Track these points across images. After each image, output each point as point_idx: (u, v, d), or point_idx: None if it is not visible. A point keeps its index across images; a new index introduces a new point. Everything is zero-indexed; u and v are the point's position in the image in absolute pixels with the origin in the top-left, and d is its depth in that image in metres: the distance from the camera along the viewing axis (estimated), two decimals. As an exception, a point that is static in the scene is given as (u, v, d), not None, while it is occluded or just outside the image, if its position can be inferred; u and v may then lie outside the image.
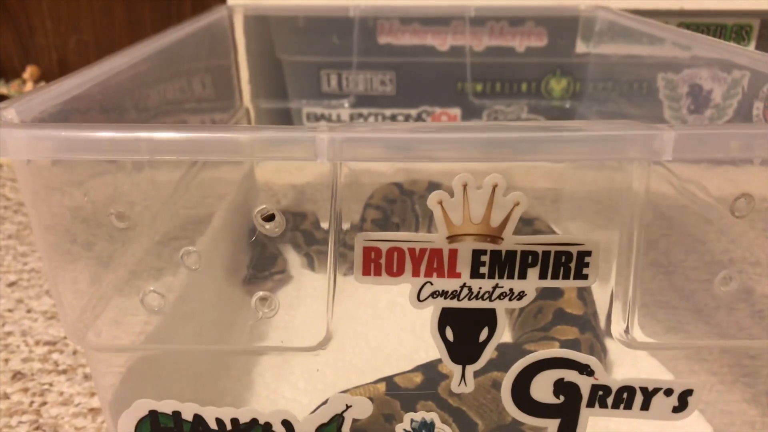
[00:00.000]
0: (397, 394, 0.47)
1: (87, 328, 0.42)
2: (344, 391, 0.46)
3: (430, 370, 0.49)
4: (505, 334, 0.40)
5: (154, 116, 0.56)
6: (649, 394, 0.42)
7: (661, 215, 0.50)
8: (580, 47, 0.88)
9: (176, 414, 0.42)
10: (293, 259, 0.71)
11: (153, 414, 0.42)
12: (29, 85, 1.28)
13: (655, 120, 0.36)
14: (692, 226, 0.53)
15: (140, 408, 0.42)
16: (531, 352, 0.41)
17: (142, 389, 0.43)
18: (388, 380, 0.49)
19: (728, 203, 0.39)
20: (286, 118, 0.93)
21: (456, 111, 0.92)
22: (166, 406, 0.42)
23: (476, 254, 0.37)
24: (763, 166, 0.42)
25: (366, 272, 0.38)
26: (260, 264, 0.63)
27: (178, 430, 0.42)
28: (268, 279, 0.63)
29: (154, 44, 0.57)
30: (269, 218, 0.38)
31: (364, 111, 0.92)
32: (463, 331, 0.40)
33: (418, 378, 0.48)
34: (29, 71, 1.29)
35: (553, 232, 0.67)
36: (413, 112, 0.92)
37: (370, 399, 0.42)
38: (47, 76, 1.30)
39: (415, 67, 0.91)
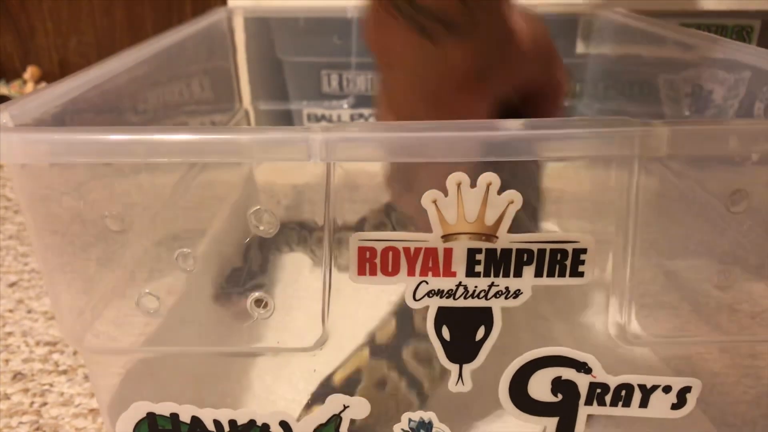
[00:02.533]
0: (381, 355, 0.47)
1: (85, 331, 0.42)
2: (332, 374, 0.46)
3: (401, 315, 0.48)
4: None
5: (153, 119, 0.56)
6: (647, 392, 0.42)
7: (658, 213, 0.49)
8: (580, 47, 0.88)
9: (174, 416, 0.42)
10: (300, 259, 0.71)
11: (151, 416, 0.42)
12: (30, 86, 1.28)
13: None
14: (690, 224, 0.53)
15: (138, 410, 0.42)
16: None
17: (140, 391, 0.43)
18: (369, 343, 0.48)
19: (723, 200, 0.39)
20: (286, 119, 0.93)
21: (456, 111, 0.92)
22: (164, 408, 0.42)
23: (471, 253, 0.37)
24: (761, 163, 0.42)
25: (361, 272, 0.38)
26: (234, 278, 0.61)
27: (176, 432, 0.43)
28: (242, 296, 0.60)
29: (153, 46, 0.57)
30: (264, 220, 0.38)
31: (365, 111, 0.91)
32: (460, 330, 0.40)
33: (391, 326, 0.48)
34: (30, 72, 1.29)
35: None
36: (414, 112, 0.92)
37: (359, 370, 0.42)
38: (48, 76, 1.30)
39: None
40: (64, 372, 0.62)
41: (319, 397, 0.44)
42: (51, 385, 0.60)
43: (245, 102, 0.87)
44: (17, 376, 0.61)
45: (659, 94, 0.71)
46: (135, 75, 0.52)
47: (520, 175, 0.38)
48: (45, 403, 0.58)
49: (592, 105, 0.88)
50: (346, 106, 0.91)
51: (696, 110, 0.65)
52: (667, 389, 0.42)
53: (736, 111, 0.58)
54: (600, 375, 0.41)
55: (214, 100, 0.75)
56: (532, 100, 0.50)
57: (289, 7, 0.87)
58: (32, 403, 0.58)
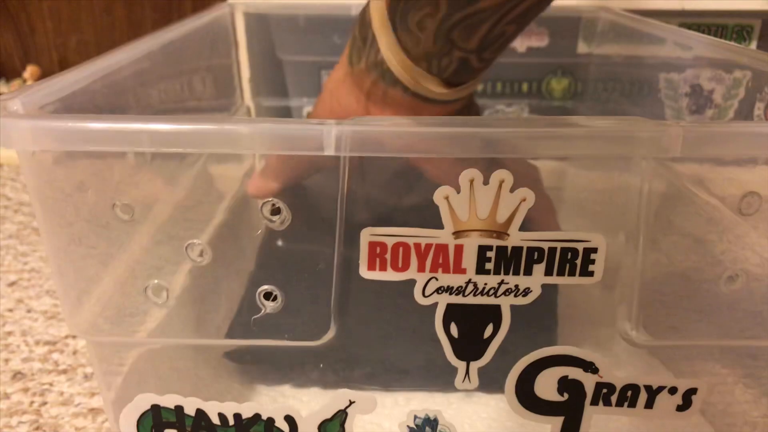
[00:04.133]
0: None
1: (91, 322, 0.42)
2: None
3: None
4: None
5: (155, 114, 0.56)
6: (653, 393, 0.42)
7: (665, 214, 0.49)
8: (582, 48, 0.88)
9: (178, 408, 0.42)
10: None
11: (155, 408, 0.42)
12: (29, 85, 1.28)
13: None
14: (696, 226, 0.53)
15: (142, 402, 0.42)
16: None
17: (144, 387, 0.43)
18: None
19: (732, 203, 0.39)
20: (287, 116, 0.93)
21: (457, 111, 0.92)
22: (169, 401, 0.42)
23: (482, 250, 0.37)
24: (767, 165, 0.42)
25: (371, 267, 0.38)
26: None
27: (180, 425, 0.42)
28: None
29: (156, 41, 0.57)
30: (275, 212, 0.38)
31: (365, 111, 0.91)
32: (468, 328, 0.40)
33: None
34: (30, 71, 1.29)
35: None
36: (414, 111, 0.92)
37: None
38: (48, 75, 1.29)
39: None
40: (64, 371, 0.62)
41: None
42: (51, 384, 0.60)
43: (246, 98, 0.87)
44: (17, 375, 0.61)
45: (659, 94, 0.71)
46: (137, 69, 0.52)
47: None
48: (45, 403, 0.57)
49: (593, 105, 0.88)
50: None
51: (696, 110, 0.65)
52: (672, 390, 0.42)
53: (736, 111, 0.58)
54: (606, 375, 0.41)
55: (215, 96, 0.75)
56: None
57: (289, 4, 0.87)
58: (32, 402, 0.58)
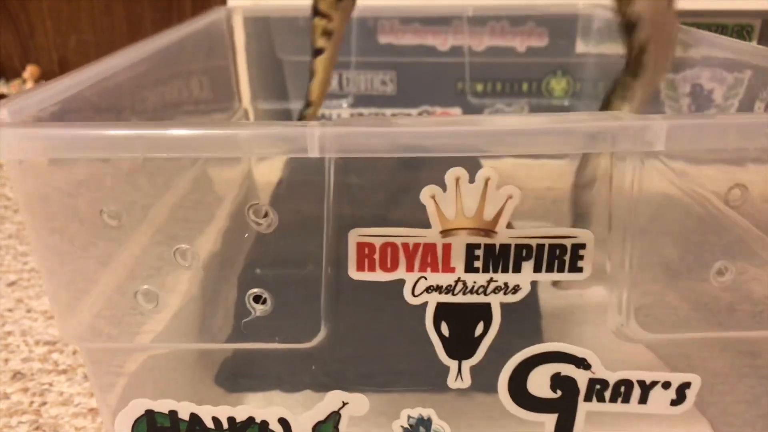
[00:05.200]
0: None
1: (83, 328, 0.42)
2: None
3: None
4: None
5: (152, 118, 0.56)
6: (646, 387, 0.42)
7: (656, 209, 0.49)
8: (580, 47, 0.88)
9: (173, 413, 0.42)
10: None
11: (149, 413, 0.42)
12: (29, 85, 1.28)
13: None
14: (688, 220, 0.53)
15: (137, 407, 0.42)
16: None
17: (139, 391, 0.43)
18: None
19: (720, 195, 0.39)
20: (286, 119, 0.93)
21: (456, 111, 0.92)
22: (163, 405, 0.42)
23: (470, 248, 0.37)
24: (758, 160, 0.42)
25: (360, 268, 0.38)
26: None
27: (175, 430, 0.42)
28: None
29: (152, 45, 0.57)
30: (263, 215, 0.38)
31: (364, 111, 0.91)
32: (459, 326, 0.40)
33: None
34: (29, 71, 1.29)
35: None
36: (413, 111, 0.92)
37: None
38: (47, 75, 1.30)
39: (416, 66, 0.91)
40: (64, 371, 0.62)
41: None
42: (50, 384, 0.60)
43: (245, 101, 0.87)
44: (17, 375, 0.61)
45: (659, 94, 0.71)
46: (134, 73, 0.52)
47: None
48: (44, 403, 0.58)
49: (592, 105, 0.88)
50: (345, 105, 0.91)
51: (696, 110, 0.64)
52: (666, 385, 0.42)
53: (736, 110, 0.58)
54: (599, 371, 0.41)
55: (213, 99, 0.75)
56: None
57: (288, 7, 0.87)
58: (32, 402, 0.58)
